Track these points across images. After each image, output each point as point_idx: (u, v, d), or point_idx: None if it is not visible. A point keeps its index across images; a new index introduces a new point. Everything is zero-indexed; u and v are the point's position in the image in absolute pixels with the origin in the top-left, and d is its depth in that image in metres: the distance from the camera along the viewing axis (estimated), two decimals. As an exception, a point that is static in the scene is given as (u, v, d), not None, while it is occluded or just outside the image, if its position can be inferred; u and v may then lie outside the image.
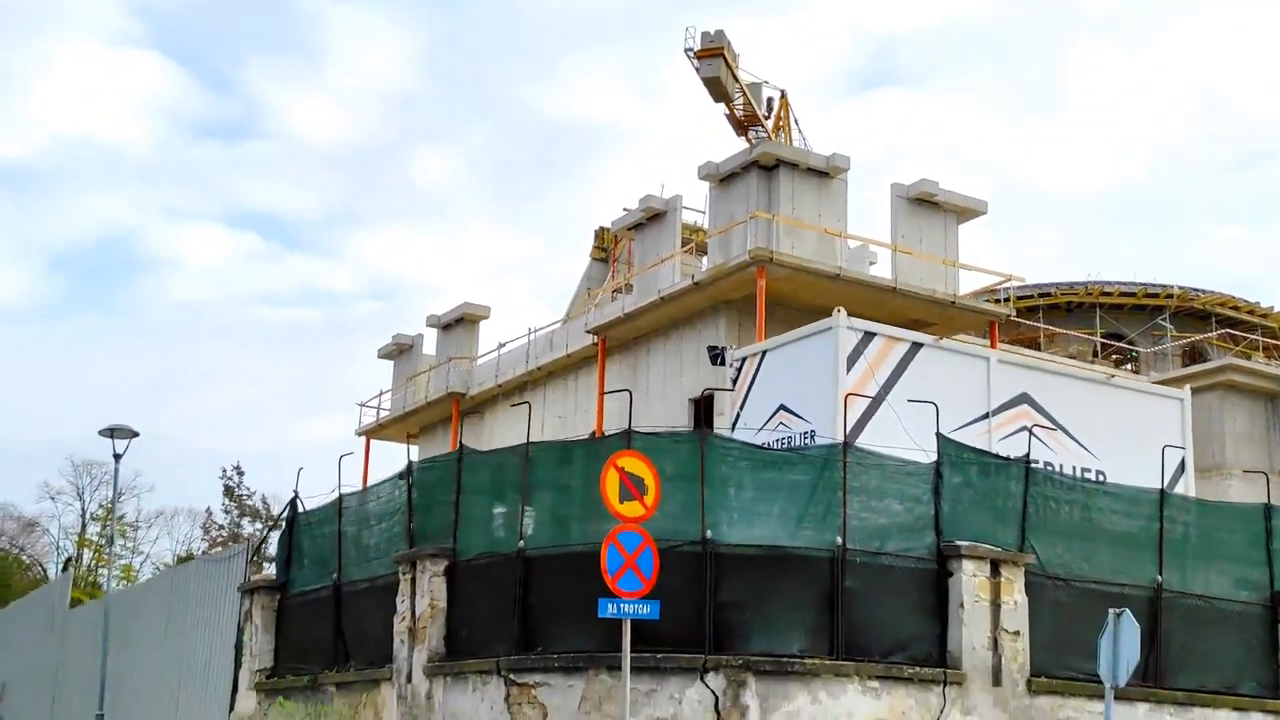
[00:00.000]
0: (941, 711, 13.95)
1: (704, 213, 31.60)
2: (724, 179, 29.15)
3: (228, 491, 55.53)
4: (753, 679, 13.32)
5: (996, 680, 14.36)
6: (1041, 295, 53.14)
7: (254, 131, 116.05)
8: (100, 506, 62.82)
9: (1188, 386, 22.74)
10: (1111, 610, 12.87)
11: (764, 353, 20.87)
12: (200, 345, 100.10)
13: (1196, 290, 54.78)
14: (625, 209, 33.49)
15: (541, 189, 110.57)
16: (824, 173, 28.69)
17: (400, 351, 41.99)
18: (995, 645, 14.45)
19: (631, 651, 13.15)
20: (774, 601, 13.86)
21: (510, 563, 14.66)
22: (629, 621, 12.66)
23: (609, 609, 12.62)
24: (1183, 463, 21.42)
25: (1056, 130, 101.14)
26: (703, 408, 24.46)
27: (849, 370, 19.08)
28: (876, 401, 19.12)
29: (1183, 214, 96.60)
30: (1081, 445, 20.37)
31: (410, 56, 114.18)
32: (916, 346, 19.94)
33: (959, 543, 14.48)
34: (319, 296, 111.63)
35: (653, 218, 30.93)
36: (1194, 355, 49.42)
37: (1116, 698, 14.77)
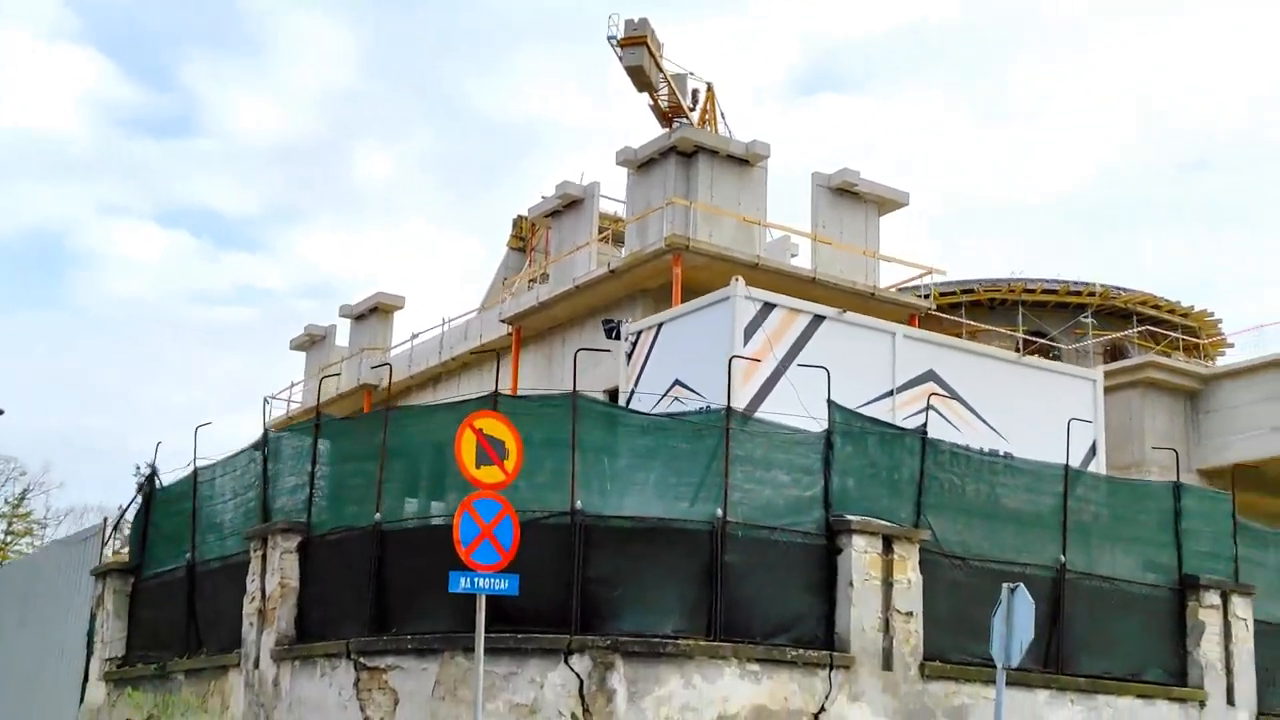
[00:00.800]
0: (827, 697, 12.95)
1: (624, 202, 30.91)
2: (642, 165, 28.44)
3: (140, 489, 53.43)
4: (621, 661, 12.23)
5: (887, 664, 13.40)
6: (964, 291, 52.70)
7: (193, 128, 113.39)
8: (5, 503, 60.69)
9: (1100, 368, 21.97)
10: (1005, 585, 11.94)
11: (660, 325, 19.84)
12: (132, 342, 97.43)
13: (1119, 289, 54.68)
14: (544, 196, 32.57)
15: (484, 187, 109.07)
16: (744, 160, 27.99)
17: (313, 342, 40.59)
18: (886, 627, 13.49)
19: (490, 631, 12.05)
20: (649, 578, 12.79)
21: (365, 537, 13.46)
22: (485, 598, 11.53)
23: (461, 583, 11.49)
24: (1094, 445, 20.69)
25: (1000, 139, 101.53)
26: (617, 399, 23.56)
27: (746, 342, 18.08)
28: (776, 375, 18.14)
29: (1122, 222, 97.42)
30: (989, 425, 19.54)
31: (353, 54, 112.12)
32: (818, 320, 19.01)
33: (849, 517, 13.51)
34: (256, 295, 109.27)
35: (570, 205, 30.15)
36: (1115, 353, 49.20)
37: (1014, 683, 13.90)
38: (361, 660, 12.84)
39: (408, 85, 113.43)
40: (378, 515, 13.38)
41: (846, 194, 29.20)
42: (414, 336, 36.20)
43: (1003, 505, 14.83)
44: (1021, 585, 11.90)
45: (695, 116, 53.72)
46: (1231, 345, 49.21)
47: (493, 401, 13.00)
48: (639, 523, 12.93)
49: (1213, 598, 15.87)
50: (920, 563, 13.84)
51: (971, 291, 55.50)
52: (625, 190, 29.71)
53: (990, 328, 51.55)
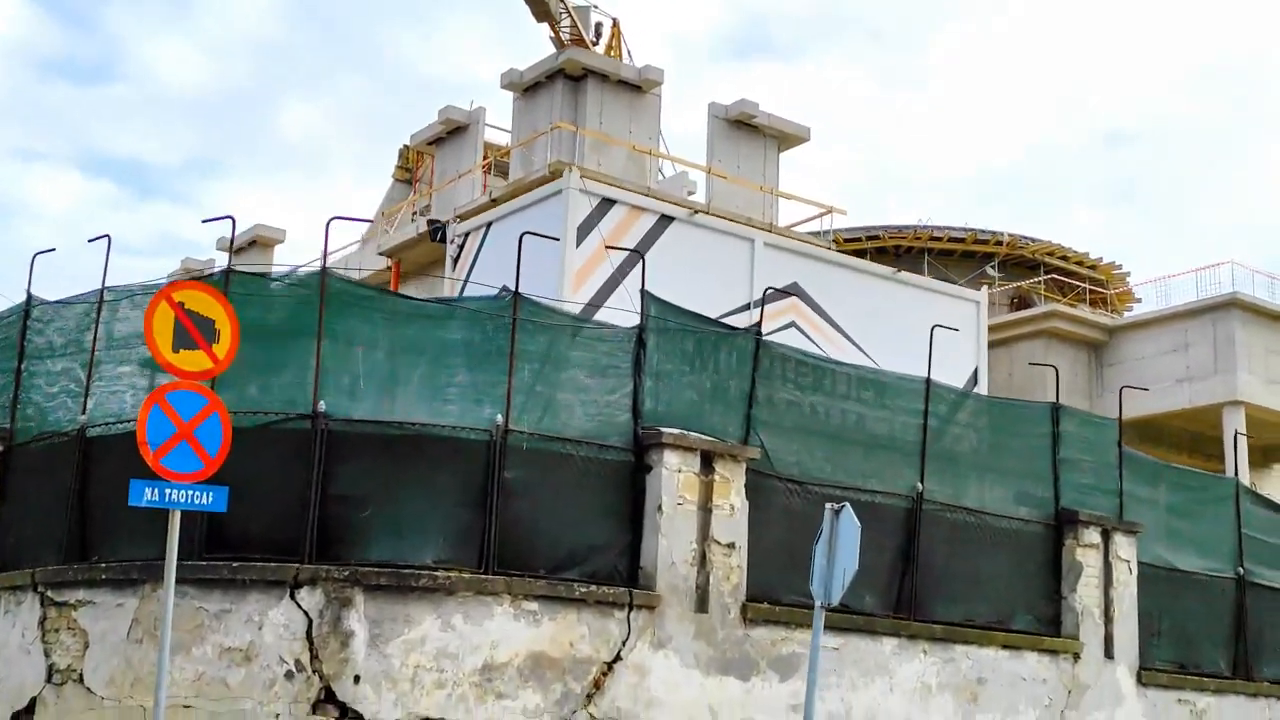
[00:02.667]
0: (624, 643, 10.72)
1: (510, 132, 28.76)
2: (528, 89, 26.37)
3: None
4: (362, 596, 9.88)
5: (702, 605, 11.19)
6: (869, 238, 50.80)
7: (113, 74, 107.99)
8: None
9: (984, 288, 19.96)
10: (829, 505, 9.76)
11: (489, 225, 17.41)
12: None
13: (1026, 239, 53.19)
14: (429, 124, 30.41)
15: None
16: (636, 86, 25.84)
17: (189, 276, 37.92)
18: (703, 561, 11.28)
19: (205, 558, 9.67)
20: (408, 497, 10.42)
21: (69, 446, 10.95)
22: (181, 516, 9.09)
23: (147, 495, 9.02)
24: (976, 373, 18.68)
25: (921, 111, 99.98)
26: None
27: (580, 242, 15.73)
28: (614, 282, 15.81)
29: (1046, 196, 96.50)
30: (859, 347, 17.44)
31: (281, 5, 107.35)
32: (666, 220, 16.71)
33: (662, 429, 11.25)
34: (178, 245, 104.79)
35: (454, 131, 27.94)
36: (1022, 304, 47.69)
37: (857, 630, 11.82)
38: (49, 595, 10.39)
39: (334, 38, 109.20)
40: (83, 417, 10.88)
41: (744, 127, 27.23)
42: (293, 269, 33.62)
43: (852, 423, 12.67)
44: (848, 506, 9.72)
45: (599, 52, 51.07)
46: (1139, 300, 47.82)
47: (224, 278, 10.53)
48: (399, 430, 10.55)
49: (1092, 535, 13.88)
50: (748, 487, 11.64)
51: (877, 238, 53.58)
52: (511, 116, 27.66)
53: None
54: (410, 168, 43.06)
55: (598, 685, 10.54)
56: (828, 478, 12.31)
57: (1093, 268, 52.73)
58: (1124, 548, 14.12)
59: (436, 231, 18.68)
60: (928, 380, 13.18)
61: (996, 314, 44.27)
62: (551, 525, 10.81)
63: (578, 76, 25.83)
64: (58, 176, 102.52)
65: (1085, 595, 13.71)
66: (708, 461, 11.41)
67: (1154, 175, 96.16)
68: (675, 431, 11.29)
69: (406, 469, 10.45)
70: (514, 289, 10.99)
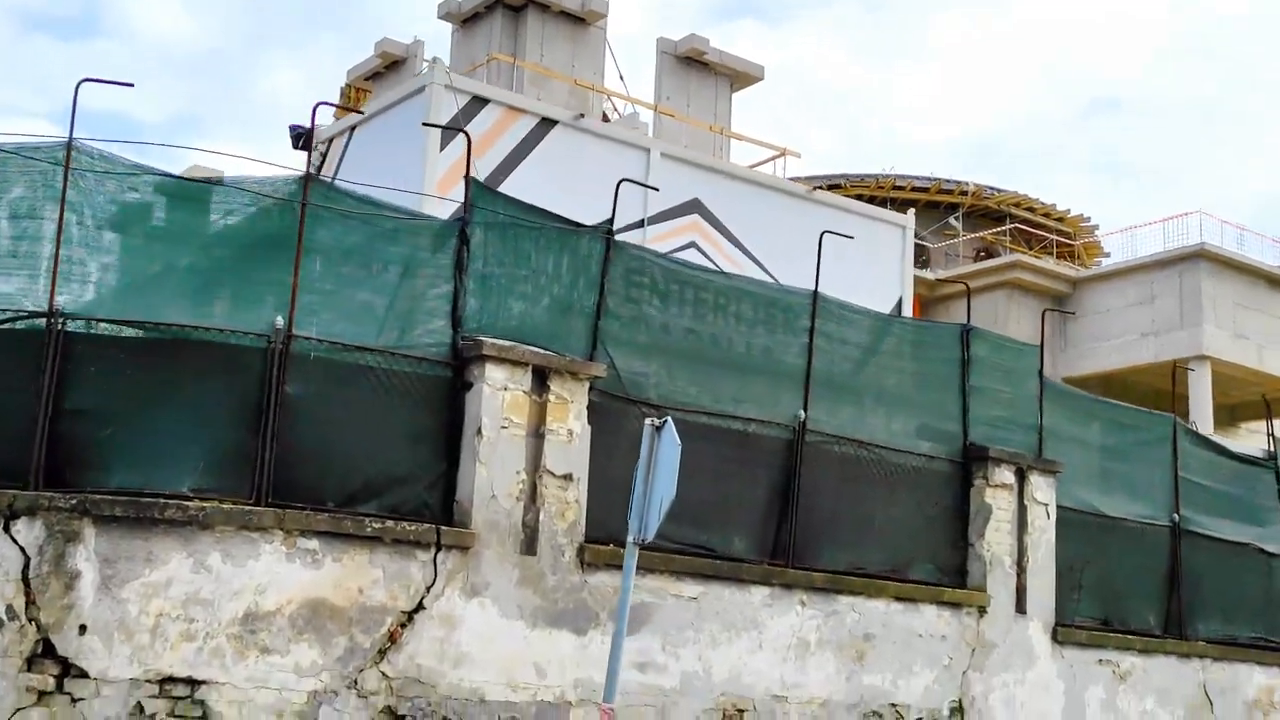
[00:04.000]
0: (429, 590, 9.04)
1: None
2: (467, 20, 24.67)
3: None
4: (92, 530, 8.16)
5: (529, 547, 9.52)
6: (831, 186, 49.20)
7: (94, 30, 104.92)
8: None
9: (911, 212, 18.30)
10: (648, 420, 8.07)
11: (352, 130, 15.59)
12: None
13: (992, 189, 51.71)
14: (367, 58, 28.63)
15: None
16: (579, 18, 24.08)
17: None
18: (532, 495, 9.60)
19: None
20: (164, 414, 8.68)
21: None
22: None
23: None
24: (900, 303, 17.00)
25: (914, 77, 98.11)
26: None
27: (444, 145, 13.93)
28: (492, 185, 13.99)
29: (1031, 163, 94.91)
30: (767, 272, 15.70)
31: None
32: (549, 124, 14.91)
33: (485, 339, 9.53)
34: None
35: (391, 65, 26.17)
36: (987, 257, 46.30)
37: (722, 577, 10.23)
38: None
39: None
40: None
41: (695, 64, 25.57)
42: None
43: (724, 341, 10.98)
44: (669, 420, 8.03)
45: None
46: (1108, 255, 46.43)
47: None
48: (155, 332, 8.79)
49: (1005, 475, 12.25)
50: (592, 410, 9.95)
51: (838, 187, 52.03)
52: (449, 48, 25.88)
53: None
54: (351, 107, 41.21)
55: (393, 638, 8.86)
56: (692, 402, 10.63)
57: (1060, 220, 51.21)
58: (1041, 489, 12.50)
59: (299, 138, 16.87)
60: (814, 293, 11.49)
61: (961, 265, 42.80)
62: (345, 451, 9.10)
63: (518, 7, 24.17)
64: (36, 129, 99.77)
65: (995, 542, 12.10)
66: (541, 379, 9.70)
67: (1138, 144, 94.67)
68: (501, 342, 9.58)
69: (163, 380, 8.71)
70: (305, 172, 9.21)
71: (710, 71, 26.01)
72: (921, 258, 47.59)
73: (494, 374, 9.46)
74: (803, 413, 11.18)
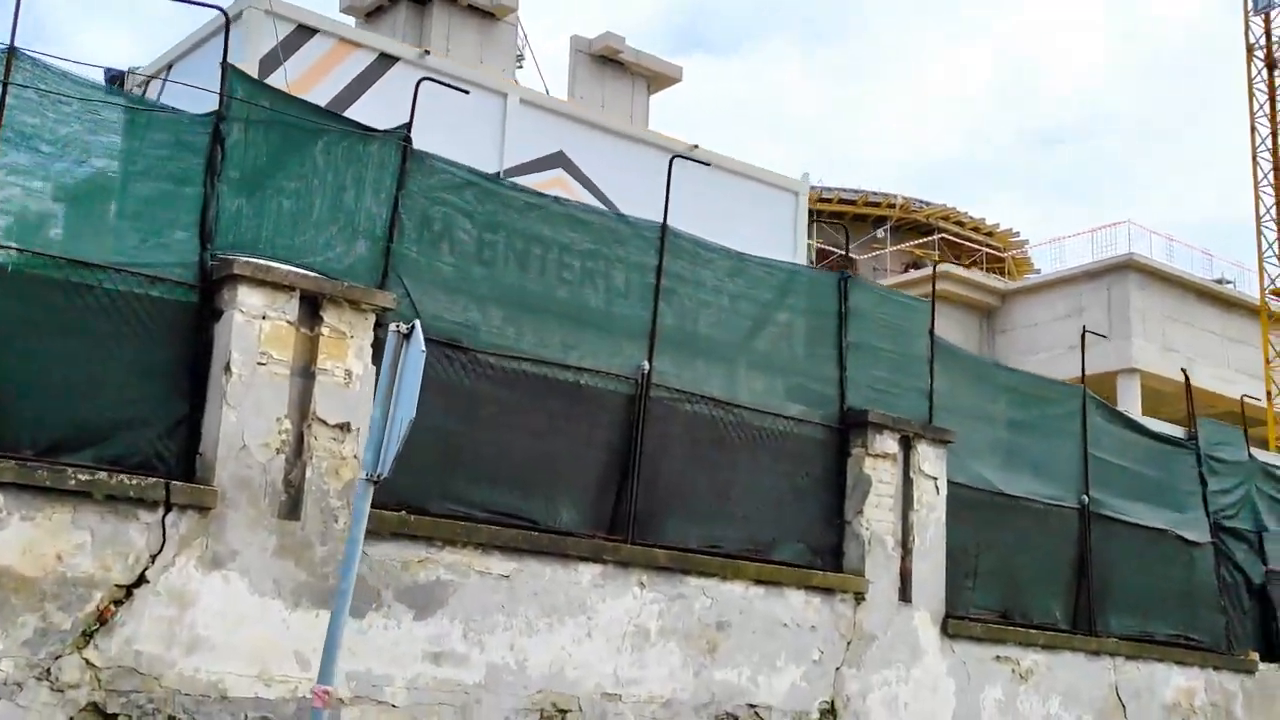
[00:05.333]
0: (153, 559, 7.29)
1: None
2: (370, 12, 23.11)
3: None
4: None
5: (293, 510, 7.80)
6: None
7: None
8: None
9: (806, 174, 16.82)
10: (393, 327, 6.40)
11: (170, 67, 13.88)
12: None
13: (921, 202, 50.80)
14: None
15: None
16: (488, 12, 22.59)
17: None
18: (298, 448, 7.90)
19: None
20: None
21: None
22: None
23: None
24: (791, 275, 15.46)
25: (868, 102, 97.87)
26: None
27: (266, 77, 12.24)
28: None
29: (982, 189, 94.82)
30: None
31: None
32: (389, 60, 13.25)
33: (240, 259, 7.84)
34: None
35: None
36: (915, 270, 45.34)
37: (542, 551, 8.57)
38: None
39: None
40: None
41: (610, 63, 24.15)
42: None
43: (553, 276, 9.34)
44: (418, 325, 6.37)
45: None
46: (1038, 271, 45.56)
47: None
48: None
49: (887, 443, 10.69)
50: (379, 349, 8.25)
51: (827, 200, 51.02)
52: None
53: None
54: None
55: (103, 618, 7.10)
56: (509, 346, 8.97)
57: (989, 234, 50.33)
58: (930, 461, 10.96)
59: (114, 79, 15.11)
60: (663, 225, 9.91)
61: (888, 279, 41.69)
62: (53, 388, 7.35)
63: (423, 0, 22.70)
64: None
65: (875, 519, 10.52)
66: (313, 308, 8.02)
67: (1083, 170, 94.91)
68: (258, 261, 7.89)
69: None
70: (8, 46, 7.49)
71: (626, 71, 24.71)
72: (848, 270, 46.57)
73: (249, 299, 7.76)
74: (646, 364, 9.57)
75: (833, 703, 9.99)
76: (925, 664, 10.60)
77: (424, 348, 6.18)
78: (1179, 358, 35.27)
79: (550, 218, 9.38)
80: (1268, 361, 37.11)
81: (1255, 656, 13.24)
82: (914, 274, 41.26)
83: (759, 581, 9.75)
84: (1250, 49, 38.09)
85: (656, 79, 25.25)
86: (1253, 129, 38.66)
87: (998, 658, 11.14)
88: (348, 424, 8.03)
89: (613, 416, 9.42)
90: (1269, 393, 36.87)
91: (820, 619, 10.05)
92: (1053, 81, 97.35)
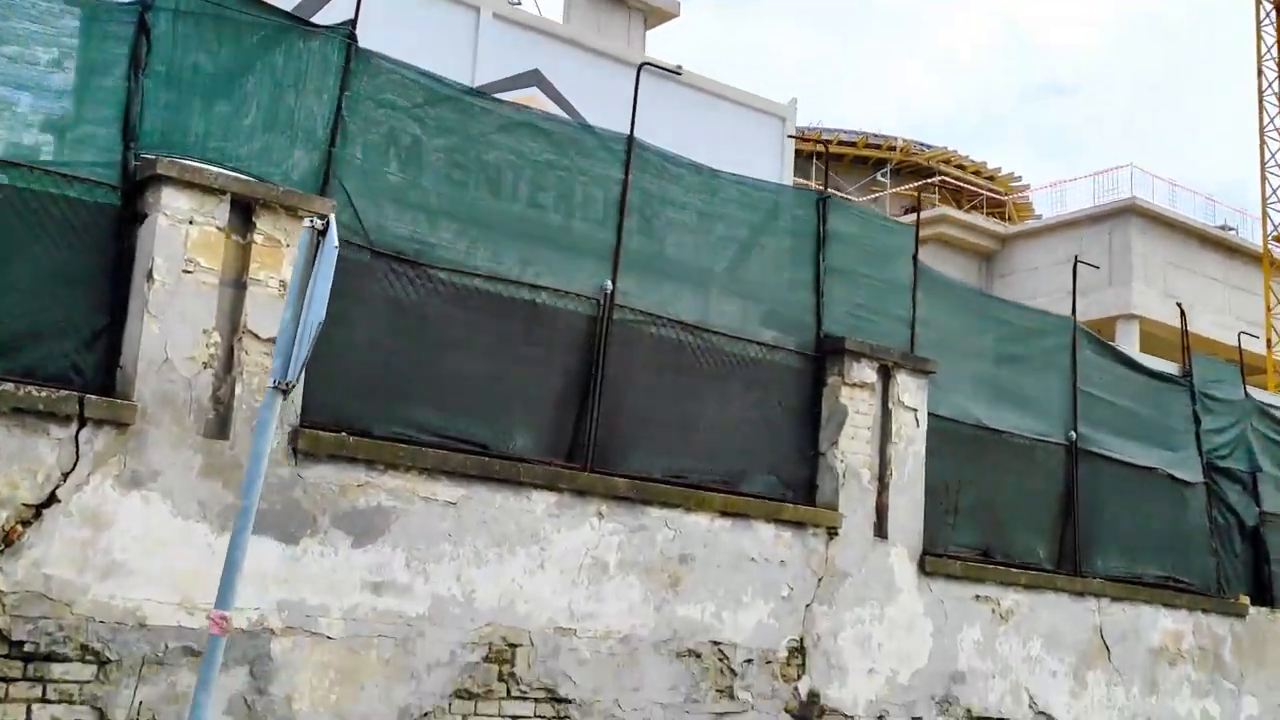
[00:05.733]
0: (65, 476, 6.81)
1: None
2: None
3: None
4: None
5: (221, 429, 7.32)
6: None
7: None
8: None
9: (794, 98, 16.22)
10: (308, 222, 5.87)
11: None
12: None
13: (921, 145, 50.02)
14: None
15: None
16: None
17: None
18: (228, 362, 7.40)
19: None
20: None
21: None
22: None
23: None
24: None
25: (862, 52, 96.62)
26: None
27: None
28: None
29: (979, 143, 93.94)
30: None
31: None
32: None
33: (166, 159, 7.29)
34: None
35: None
36: (915, 214, 44.71)
37: (492, 478, 8.08)
38: None
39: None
40: None
41: None
42: None
43: (510, 187, 8.79)
44: (332, 220, 5.84)
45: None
46: (1039, 215, 44.91)
47: None
48: None
49: (865, 372, 10.18)
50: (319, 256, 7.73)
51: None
52: None
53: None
54: None
55: (9, 539, 6.63)
56: (461, 261, 8.44)
57: (990, 178, 49.63)
58: (910, 391, 10.46)
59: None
60: (629, 137, 9.34)
61: (888, 222, 41.01)
62: (-43, 292, 6.84)
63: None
64: None
65: (851, 452, 10.04)
66: (245, 213, 7.48)
67: (1086, 125, 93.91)
68: (186, 162, 7.34)
69: None
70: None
71: (622, 5, 24.02)
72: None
73: (174, 202, 7.22)
74: (610, 283, 9.04)
75: (802, 641, 9.55)
76: (901, 602, 10.16)
77: (338, 244, 5.64)
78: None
79: (509, 126, 8.81)
80: (1269, 309, 36.56)
81: (1246, 600, 12.81)
82: (909, 217, 40.69)
83: (725, 513, 9.28)
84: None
85: (654, 13, 24.58)
86: (1259, 72, 37.87)
87: (977, 597, 10.69)
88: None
89: (573, 339, 8.91)
90: (1269, 340, 36.37)
91: (790, 554, 9.59)
92: (1056, 36, 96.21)
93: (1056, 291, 35.91)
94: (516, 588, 8.28)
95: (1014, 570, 10.97)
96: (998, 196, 46.19)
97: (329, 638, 7.52)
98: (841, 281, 10.42)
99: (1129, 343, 32.23)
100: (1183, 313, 13.88)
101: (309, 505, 7.54)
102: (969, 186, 45.84)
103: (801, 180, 17.36)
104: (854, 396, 10.09)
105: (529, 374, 8.67)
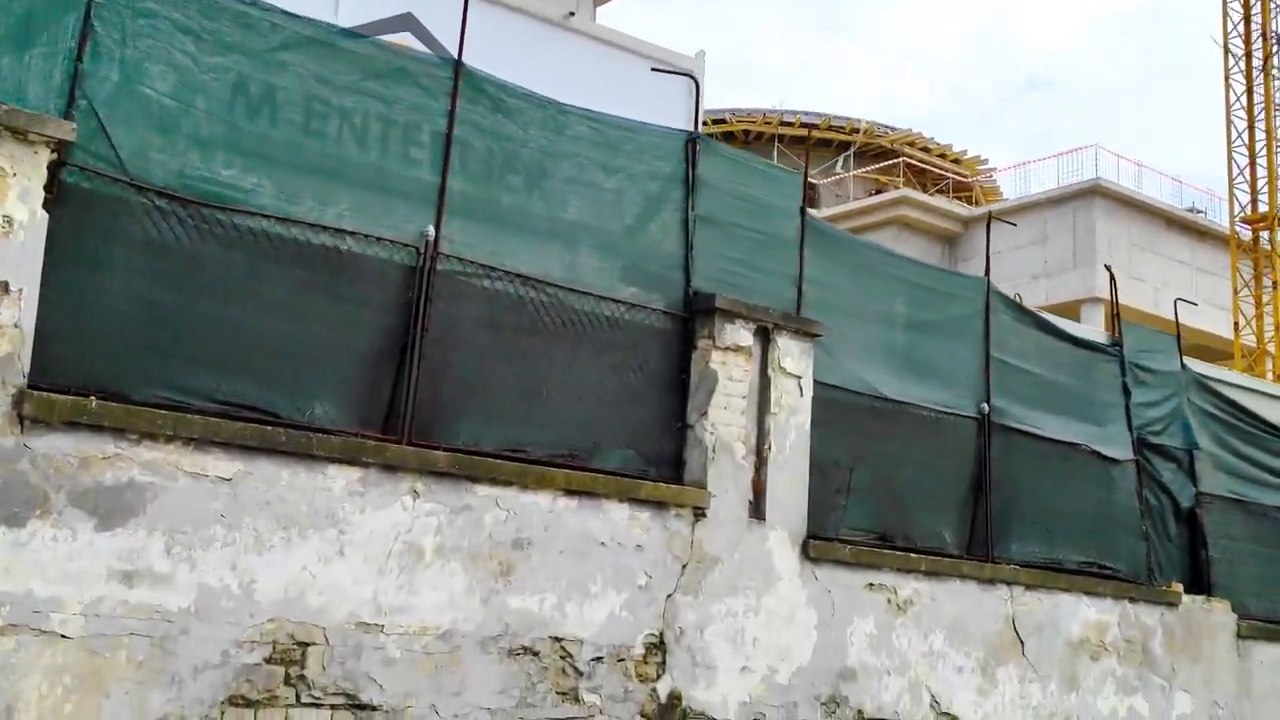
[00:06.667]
0: None
1: None
2: None
3: None
4: None
5: (-75, 388, 6.14)
6: (715, 121, 46.45)
7: None
8: None
9: (702, 51, 15.09)
10: None
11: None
12: None
13: (885, 127, 49.07)
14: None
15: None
16: None
17: None
18: (-64, 310, 6.22)
19: None
20: None
21: None
22: None
23: None
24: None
25: (841, 51, 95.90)
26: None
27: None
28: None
29: (961, 138, 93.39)
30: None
31: None
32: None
33: None
34: None
35: None
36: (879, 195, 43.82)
37: (277, 450, 7.00)
38: None
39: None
40: None
41: None
42: None
43: (306, 116, 7.62)
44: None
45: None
46: (1006, 199, 44.02)
47: None
48: None
49: (740, 334, 9.06)
50: (63, 194, 6.60)
51: (723, 122, 49.45)
52: None
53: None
54: None
55: None
56: (245, 201, 7.28)
57: (956, 161, 48.80)
58: (793, 357, 9.34)
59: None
60: (457, 61, 8.19)
61: (850, 206, 40.20)
62: None
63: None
64: None
65: (722, 423, 8.92)
66: (-39, 136, 6.32)
67: (1070, 119, 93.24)
68: (-119, 73, 6.17)
69: None
70: None
71: None
72: (810, 197, 45.13)
73: None
74: (432, 229, 7.90)
75: (661, 636, 8.43)
76: (780, 592, 9.05)
77: None
78: (1146, 288, 33.84)
79: (306, 45, 7.65)
80: (1235, 291, 35.64)
81: (1179, 588, 11.74)
82: (873, 199, 39.63)
83: (570, 492, 8.14)
84: (1218, -46, 36.33)
85: None
86: (1225, 50, 36.94)
87: (870, 585, 9.58)
88: (6, 284, 6.35)
89: (388, 292, 7.76)
90: (1236, 324, 35.47)
91: (649, 538, 8.46)
92: (1030, 34, 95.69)
93: (1020, 275, 35.00)
94: (308, 577, 7.13)
95: (914, 556, 9.87)
96: (963, 179, 45.28)
97: (64, 636, 6.36)
98: (716, 234, 9.31)
99: (1095, 326, 31.29)
100: (1112, 276, 12.83)
101: (38, 481, 6.38)
102: (933, 169, 44.93)
103: (672, 68, 16.15)
104: (727, 361, 8.97)
105: (332, 333, 7.53)
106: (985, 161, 48.33)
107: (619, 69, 14.14)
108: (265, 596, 6.97)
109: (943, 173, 45.17)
